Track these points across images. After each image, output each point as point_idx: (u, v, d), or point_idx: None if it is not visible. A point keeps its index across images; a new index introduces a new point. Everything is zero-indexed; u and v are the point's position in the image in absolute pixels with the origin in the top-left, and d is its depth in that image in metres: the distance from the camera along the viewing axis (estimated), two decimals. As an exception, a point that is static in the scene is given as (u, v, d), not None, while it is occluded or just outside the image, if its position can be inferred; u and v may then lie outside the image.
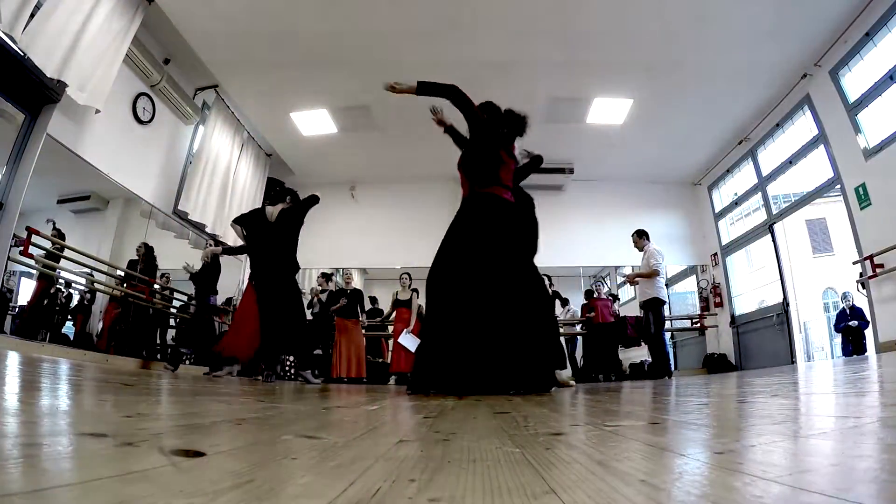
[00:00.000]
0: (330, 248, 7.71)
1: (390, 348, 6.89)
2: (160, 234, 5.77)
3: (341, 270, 8.17)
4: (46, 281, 4.72)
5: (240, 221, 4.21)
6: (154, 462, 0.46)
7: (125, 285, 5.28)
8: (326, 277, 6.64)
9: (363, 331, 6.29)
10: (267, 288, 3.90)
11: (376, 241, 7.85)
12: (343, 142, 6.95)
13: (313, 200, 4.23)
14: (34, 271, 4.58)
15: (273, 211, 4.12)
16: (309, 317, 6.42)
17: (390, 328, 6.65)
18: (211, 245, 5.41)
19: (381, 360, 7.17)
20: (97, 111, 4.21)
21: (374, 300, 8.35)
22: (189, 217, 5.66)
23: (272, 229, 4.04)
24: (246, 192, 6.71)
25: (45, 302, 4.72)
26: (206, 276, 5.21)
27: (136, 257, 5.44)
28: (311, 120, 6.44)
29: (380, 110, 6.25)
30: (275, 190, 4.29)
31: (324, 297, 6.30)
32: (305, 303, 6.52)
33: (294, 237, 4.12)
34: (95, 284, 5.12)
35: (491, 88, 5.92)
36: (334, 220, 7.95)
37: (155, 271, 5.60)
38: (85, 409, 0.98)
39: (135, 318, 5.32)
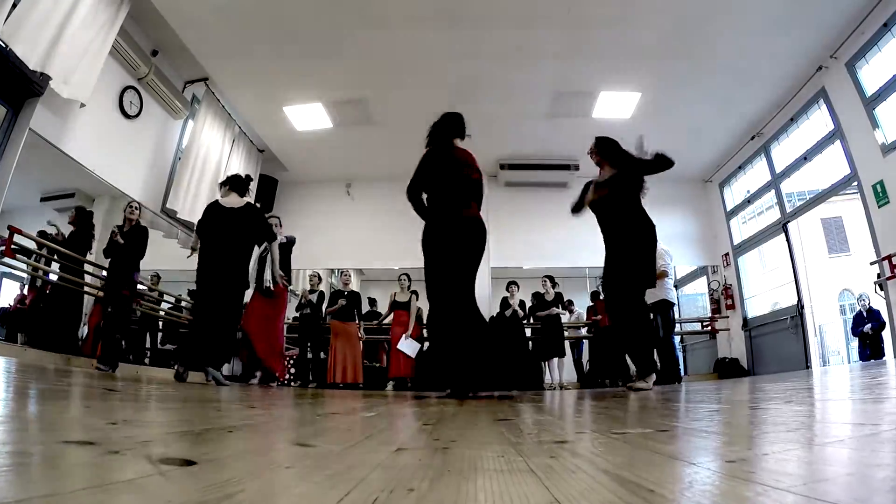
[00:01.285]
0: (325, 249, 7.70)
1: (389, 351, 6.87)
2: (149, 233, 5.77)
3: (337, 271, 8.17)
4: (37, 290, 4.70)
5: (198, 229, 3.98)
6: (142, 471, 0.46)
7: (51, 265, 4.70)
8: (319, 278, 6.64)
9: (361, 334, 6.29)
10: (219, 282, 3.75)
11: (374, 241, 7.85)
12: (339, 137, 6.94)
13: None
14: (22, 273, 4.59)
15: (235, 201, 3.97)
16: (297, 319, 6.42)
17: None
18: (135, 206, 4.48)
19: (378, 365, 7.17)
20: (82, 105, 4.21)
21: (372, 302, 8.35)
22: (178, 216, 5.66)
23: (235, 217, 3.88)
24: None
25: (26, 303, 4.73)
26: (135, 246, 4.40)
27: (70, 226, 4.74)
28: (306, 114, 6.44)
29: (377, 104, 6.25)
30: (241, 178, 4.12)
31: (314, 297, 6.30)
32: (294, 304, 6.53)
33: (252, 235, 4.04)
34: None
35: (492, 82, 5.97)
36: (330, 219, 7.96)
37: (90, 242, 4.89)
38: (70, 416, 0.98)
39: (58, 303, 4.65)
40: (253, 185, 7.13)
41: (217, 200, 4.02)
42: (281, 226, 5.02)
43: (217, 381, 3.66)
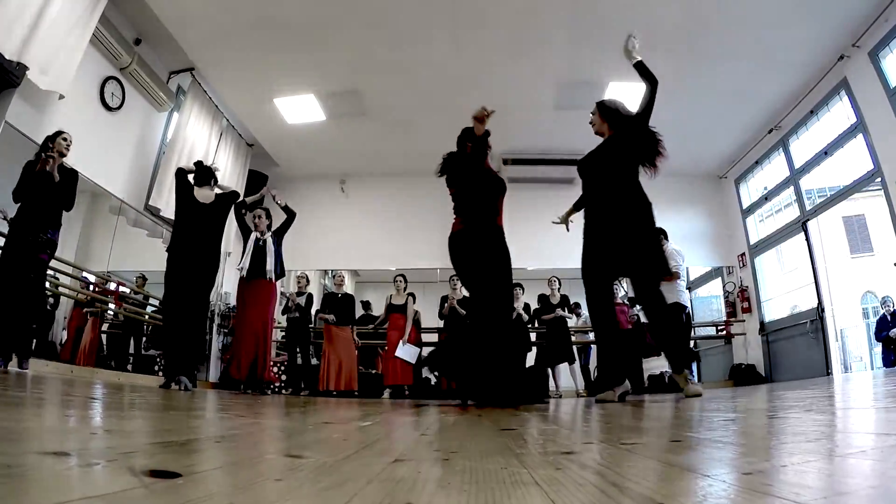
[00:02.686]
0: (318, 248, 7.70)
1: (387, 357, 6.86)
2: (131, 232, 5.77)
3: (330, 272, 8.17)
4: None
5: (183, 175, 4.18)
6: (123, 483, 0.46)
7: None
8: (307, 279, 6.66)
9: (356, 339, 6.29)
10: (191, 281, 3.89)
11: (369, 241, 7.85)
12: (332, 130, 6.94)
13: (234, 196, 4.51)
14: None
15: (206, 194, 4.16)
16: (284, 323, 6.43)
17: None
18: (69, 139, 3.67)
19: (374, 372, 7.17)
20: (61, 97, 4.21)
21: (366, 305, 8.34)
22: (162, 213, 5.66)
23: (207, 214, 4.07)
24: (225, 185, 6.71)
25: None
26: (65, 192, 3.57)
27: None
28: (297, 106, 6.43)
29: (373, 96, 6.24)
30: (200, 168, 4.28)
31: (301, 300, 6.30)
32: (281, 308, 6.55)
33: (222, 229, 4.27)
34: (60, 288, 5.12)
35: (495, 72, 5.96)
36: (322, 216, 7.95)
37: None
38: (47, 425, 0.98)
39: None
40: (241, 181, 7.15)
41: (193, 193, 4.15)
42: (269, 218, 5.13)
43: (187, 387, 3.77)
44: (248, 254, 4.94)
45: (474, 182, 3.17)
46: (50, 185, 3.43)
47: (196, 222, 4.04)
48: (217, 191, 4.35)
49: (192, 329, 3.90)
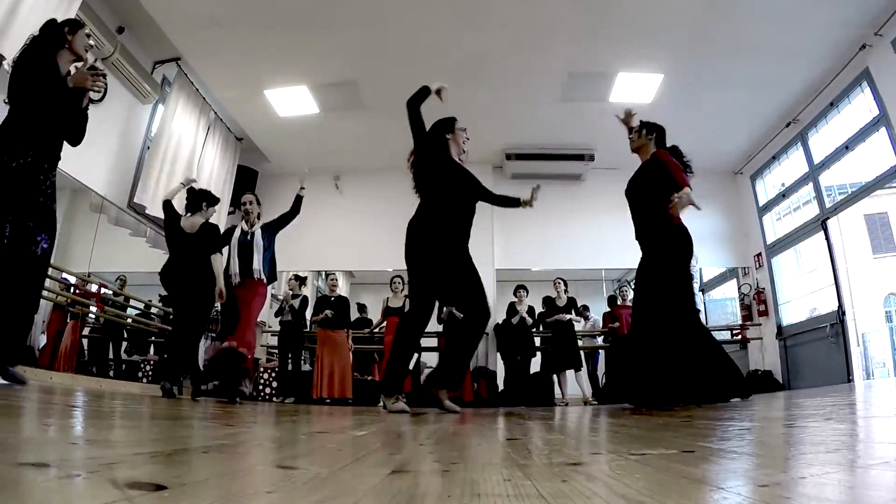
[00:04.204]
0: (310, 248, 7.70)
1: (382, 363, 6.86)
2: (114, 231, 5.77)
3: (324, 274, 8.17)
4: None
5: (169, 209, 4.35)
6: (105, 496, 0.46)
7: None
8: (300, 280, 6.64)
9: (350, 344, 6.29)
10: (186, 307, 4.11)
11: (364, 240, 7.84)
12: (326, 124, 6.94)
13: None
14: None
15: (192, 223, 4.26)
16: (277, 326, 6.43)
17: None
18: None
19: (369, 378, 7.17)
20: (40, 88, 4.20)
21: (361, 308, 8.35)
22: (146, 211, 5.66)
23: (192, 243, 4.19)
24: (213, 182, 6.71)
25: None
26: (81, 118, 2.93)
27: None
28: (289, 98, 6.44)
29: (369, 87, 6.25)
30: (192, 194, 4.42)
31: (296, 302, 6.29)
32: (274, 310, 6.54)
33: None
34: (37, 290, 5.12)
35: (498, 62, 5.97)
36: (316, 215, 7.93)
37: None
38: (25, 434, 0.98)
39: None
40: (230, 177, 7.15)
41: (180, 219, 4.28)
42: (260, 204, 4.88)
43: (171, 395, 3.85)
44: (233, 255, 4.63)
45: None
46: (76, 107, 2.67)
47: (183, 254, 4.17)
48: (202, 221, 4.38)
49: (187, 341, 4.07)
